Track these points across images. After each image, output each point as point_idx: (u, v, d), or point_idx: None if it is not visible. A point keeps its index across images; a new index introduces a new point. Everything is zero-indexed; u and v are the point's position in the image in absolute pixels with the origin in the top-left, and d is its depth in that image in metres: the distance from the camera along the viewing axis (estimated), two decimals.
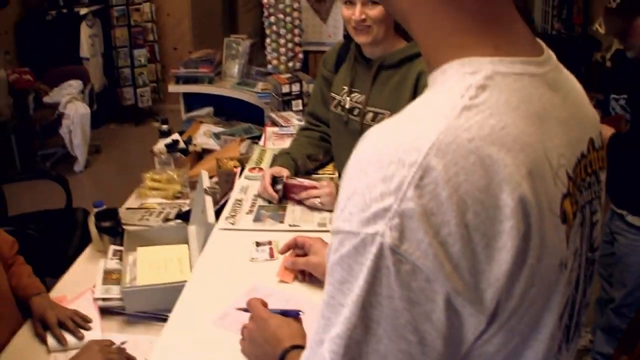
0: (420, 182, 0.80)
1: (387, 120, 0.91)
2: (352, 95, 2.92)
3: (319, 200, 2.73)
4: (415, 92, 2.69)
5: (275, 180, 2.87)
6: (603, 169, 1.10)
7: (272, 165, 3.08)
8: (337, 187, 2.69)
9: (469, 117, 0.84)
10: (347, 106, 2.93)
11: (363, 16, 2.68)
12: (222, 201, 2.94)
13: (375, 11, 2.68)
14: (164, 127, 4.32)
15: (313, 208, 2.76)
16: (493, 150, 0.82)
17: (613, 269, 3.72)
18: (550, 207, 0.87)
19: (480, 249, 0.81)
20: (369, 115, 2.83)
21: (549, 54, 1.04)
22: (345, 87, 2.96)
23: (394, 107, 2.70)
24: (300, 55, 5.28)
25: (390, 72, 2.80)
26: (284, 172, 2.91)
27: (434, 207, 0.79)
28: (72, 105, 7.76)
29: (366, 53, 2.89)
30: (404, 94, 2.72)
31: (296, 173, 2.99)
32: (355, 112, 2.88)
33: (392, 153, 0.83)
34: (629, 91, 3.71)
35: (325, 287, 0.89)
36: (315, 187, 2.77)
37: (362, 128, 2.83)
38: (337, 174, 3.09)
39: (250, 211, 2.74)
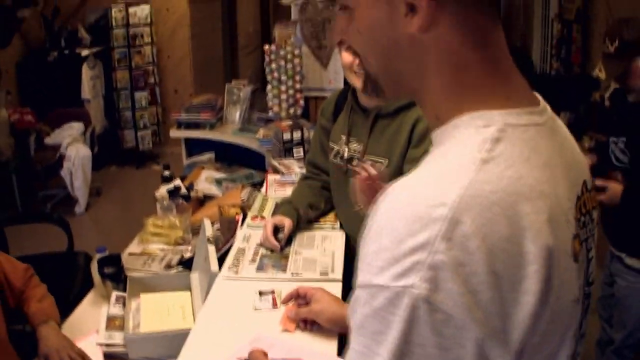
0: (450, 235, 0.85)
1: (408, 176, 0.97)
2: (350, 144, 2.93)
3: None
4: (411, 139, 2.71)
5: (277, 230, 2.90)
6: (595, 209, 1.17)
7: (274, 214, 3.09)
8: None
9: (488, 170, 0.91)
10: (345, 156, 2.94)
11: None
12: (224, 248, 2.96)
13: None
14: (166, 172, 4.33)
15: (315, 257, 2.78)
16: (514, 201, 0.89)
17: (613, 311, 3.76)
18: (565, 249, 0.95)
19: (507, 294, 0.87)
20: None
21: (544, 102, 1.14)
22: (343, 137, 2.97)
23: (392, 155, 2.73)
24: (302, 102, 5.30)
25: (387, 121, 2.80)
26: (286, 222, 2.93)
27: (464, 259, 0.85)
28: (74, 147, 7.82)
29: (363, 102, 2.89)
30: (401, 142, 2.73)
31: (298, 222, 3.01)
32: (354, 161, 2.89)
33: (420, 208, 0.89)
34: (627, 134, 3.74)
35: (354, 338, 0.93)
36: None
37: None
38: (338, 224, 3.10)
39: (253, 260, 2.75)
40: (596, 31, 9.17)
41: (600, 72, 3.79)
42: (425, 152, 2.42)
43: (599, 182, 3.75)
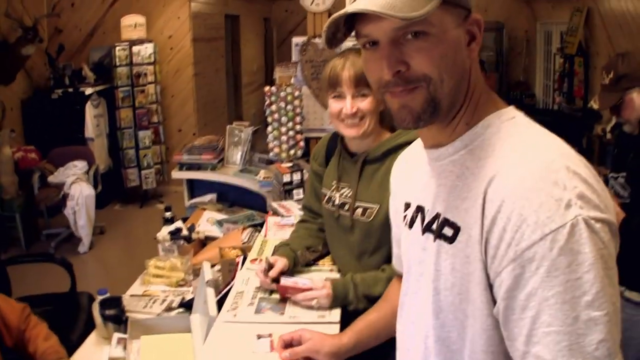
0: (570, 173, 1.26)
1: (510, 164, 1.32)
2: (341, 190, 2.92)
3: (315, 301, 2.69)
4: None
5: (270, 267, 2.93)
6: None
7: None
8: (332, 286, 2.70)
9: (550, 139, 1.38)
10: (337, 202, 2.93)
11: (354, 109, 2.68)
12: (225, 290, 2.97)
13: (365, 103, 2.68)
14: (168, 214, 4.36)
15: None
16: (573, 152, 1.35)
17: None
18: None
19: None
20: (359, 210, 2.81)
21: None
22: (334, 183, 2.97)
23: (383, 201, 2.67)
24: (302, 143, 5.33)
25: (376, 166, 2.80)
26: (280, 260, 2.91)
27: (587, 172, 1.30)
28: (77, 186, 7.87)
29: (351, 147, 2.90)
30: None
31: (295, 264, 3.00)
32: (346, 207, 2.88)
33: (545, 168, 1.27)
34: (628, 169, 3.77)
35: (547, 289, 1.21)
36: (310, 289, 2.72)
37: (353, 224, 2.84)
38: (335, 267, 3.09)
39: (252, 303, 2.75)
40: (598, 65, 9.26)
41: (595, 103, 3.87)
42: None
43: None
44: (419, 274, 1.59)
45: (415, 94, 1.38)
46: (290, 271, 2.97)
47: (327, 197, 3.02)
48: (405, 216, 1.68)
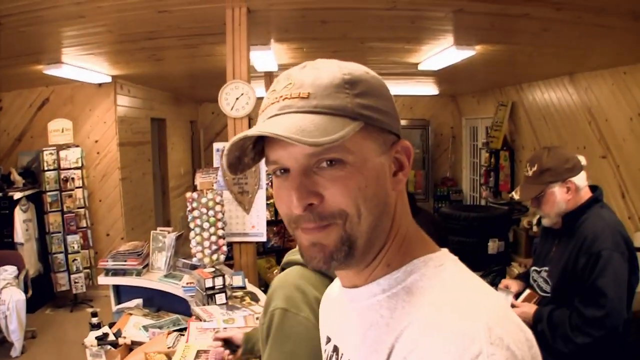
0: (491, 339, 1.09)
1: (427, 319, 1.17)
2: None
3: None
4: None
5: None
6: None
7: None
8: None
9: (477, 293, 1.22)
10: None
11: None
12: None
13: None
14: (94, 319, 4.46)
15: None
16: (504, 309, 1.21)
17: None
18: None
19: None
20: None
21: None
22: None
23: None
24: (224, 248, 5.40)
25: None
26: (233, 333, 3.04)
27: (507, 354, 1.09)
28: (8, 291, 7.80)
29: None
30: None
31: (244, 351, 3.02)
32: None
33: (462, 330, 1.11)
34: (549, 263, 3.89)
35: None
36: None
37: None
38: None
39: None
40: (524, 159, 9.52)
41: (515, 194, 3.94)
42: (266, 327, 2.41)
43: (513, 302, 3.92)
44: None
45: (328, 231, 1.24)
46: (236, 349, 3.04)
47: None
48: (325, 350, 1.55)
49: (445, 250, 1.34)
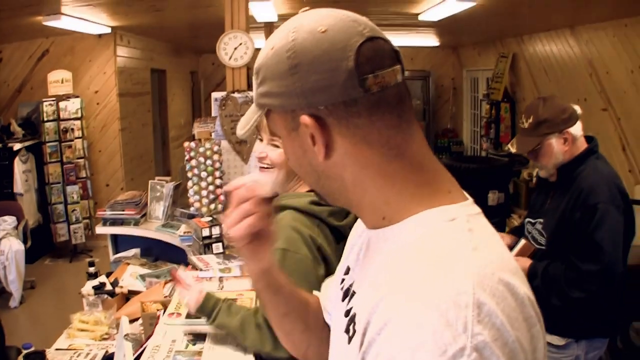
0: (479, 317, 0.99)
1: (408, 279, 1.10)
2: None
3: (186, 300, 2.82)
4: None
5: None
6: None
7: None
8: (205, 297, 2.79)
9: (480, 256, 1.10)
10: None
11: (264, 154, 2.73)
12: (145, 344, 2.97)
13: (275, 153, 2.70)
14: (91, 269, 4.44)
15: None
16: (507, 277, 1.08)
17: None
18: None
19: (529, 355, 1.05)
20: None
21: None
22: None
23: None
24: (222, 197, 5.40)
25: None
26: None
27: (496, 333, 1.00)
28: (7, 242, 7.87)
29: None
30: None
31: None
32: None
33: (445, 300, 1.01)
34: (544, 215, 3.86)
35: None
36: (190, 287, 2.84)
37: None
38: None
39: (167, 357, 2.78)
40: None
41: (512, 146, 3.87)
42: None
43: None
44: (333, 349, 1.48)
45: None
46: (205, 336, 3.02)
47: None
48: (343, 280, 1.51)
49: (466, 203, 1.25)
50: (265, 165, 2.77)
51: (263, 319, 2.63)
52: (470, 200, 1.28)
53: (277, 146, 2.69)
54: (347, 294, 1.42)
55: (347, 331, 1.30)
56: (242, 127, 1.35)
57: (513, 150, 3.86)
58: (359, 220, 1.57)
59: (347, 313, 1.34)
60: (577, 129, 3.70)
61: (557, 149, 3.68)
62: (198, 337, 2.96)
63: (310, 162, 1.29)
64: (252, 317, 2.72)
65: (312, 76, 1.19)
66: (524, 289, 1.11)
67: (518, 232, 4.27)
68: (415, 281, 1.08)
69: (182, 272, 3.01)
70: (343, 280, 1.51)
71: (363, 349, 1.14)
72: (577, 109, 3.76)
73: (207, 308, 2.81)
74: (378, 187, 1.26)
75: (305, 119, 1.22)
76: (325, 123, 1.23)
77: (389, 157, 1.24)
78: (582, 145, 3.74)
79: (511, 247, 3.94)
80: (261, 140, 2.80)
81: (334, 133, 1.23)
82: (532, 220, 3.99)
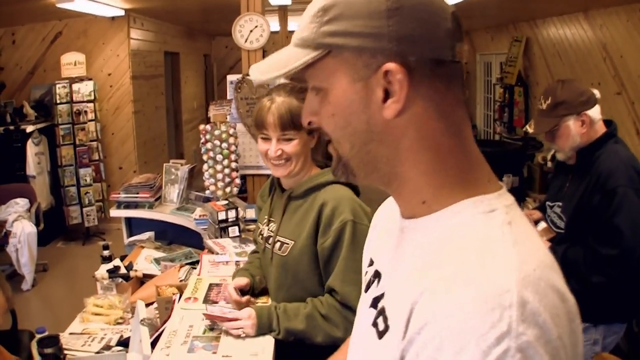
0: (523, 316, 0.95)
1: (445, 278, 1.04)
2: (270, 224, 3.01)
3: (242, 331, 2.76)
4: (318, 223, 2.75)
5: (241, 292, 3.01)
6: None
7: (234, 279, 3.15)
8: (257, 315, 2.76)
9: (521, 251, 1.04)
10: (264, 235, 3.02)
11: (279, 152, 2.77)
12: (161, 329, 2.96)
13: (290, 146, 2.77)
14: (106, 252, 4.41)
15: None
16: (548, 272, 1.04)
17: None
18: None
19: (571, 349, 1.01)
20: (277, 245, 2.89)
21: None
22: (266, 217, 3.07)
23: (298, 237, 2.79)
24: (238, 181, 5.35)
25: (299, 202, 2.88)
26: (240, 281, 3.03)
27: (539, 332, 0.95)
28: (19, 224, 7.83)
29: (283, 183, 3.00)
30: (307, 225, 2.78)
31: (253, 289, 3.08)
32: (270, 240, 2.96)
33: (488, 300, 0.97)
34: (563, 199, 3.85)
35: None
36: (237, 319, 2.78)
37: (272, 257, 2.93)
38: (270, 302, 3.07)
39: (185, 342, 2.75)
40: (538, 95, 9.37)
41: (529, 127, 3.83)
42: (334, 241, 2.54)
43: None
44: (357, 342, 1.43)
45: (332, 148, 1.25)
46: (250, 292, 3.07)
47: (259, 230, 3.13)
48: (366, 273, 1.47)
49: (501, 192, 1.19)
50: (282, 162, 2.82)
51: (325, 305, 2.70)
52: (505, 188, 1.22)
53: (289, 139, 2.76)
54: (370, 285, 1.38)
55: (374, 325, 1.24)
56: (278, 69, 1.19)
57: (530, 130, 3.86)
58: (380, 211, 1.59)
59: (374, 305, 1.29)
60: (595, 112, 3.69)
61: (575, 131, 3.68)
62: (216, 323, 2.90)
63: (369, 120, 1.17)
64: (314, 310, 2.75)
65: (412, 23, 1.11)
66: (562, 282, 1.07)
67: (541, 210, 4.28)
68: (456, 278, 1.03)
69: (212, 308, 2.94)
70: (366, 273, 1.47)
71: (402, 346, 1.09)
72: (596, 92, 3.74)
73: (265, 323, 2.79)
74: (429, 162, 1.17)
75: (392, 65, 1.11)
76: (412, 76, 1.12)
77: (450, 133, 1.17)
78: (601, 129, 3.72)
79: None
80: (263, 139, 2.85)
81: (414, 90, 1.13)
82: (551, 204, 4.00)
